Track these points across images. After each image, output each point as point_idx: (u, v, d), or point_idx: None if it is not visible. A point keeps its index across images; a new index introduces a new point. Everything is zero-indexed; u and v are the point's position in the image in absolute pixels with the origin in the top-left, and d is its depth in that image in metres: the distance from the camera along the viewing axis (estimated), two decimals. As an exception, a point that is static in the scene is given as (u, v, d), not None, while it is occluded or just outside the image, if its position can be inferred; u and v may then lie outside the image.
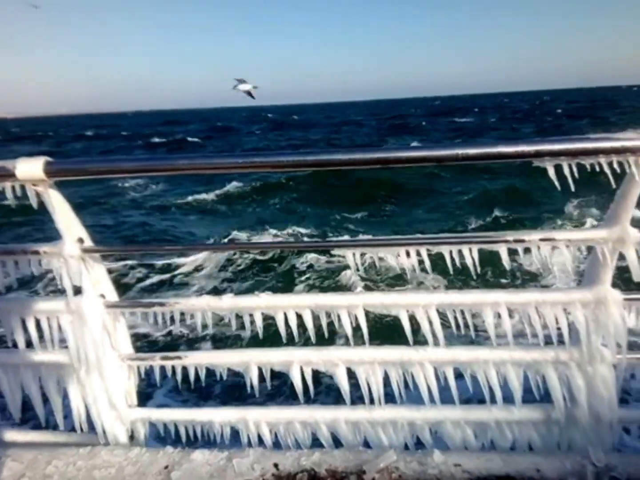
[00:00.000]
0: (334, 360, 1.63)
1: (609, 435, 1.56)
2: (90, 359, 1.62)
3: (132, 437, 1.75)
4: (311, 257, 8.56)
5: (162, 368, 1.71)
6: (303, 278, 8.43)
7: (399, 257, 1.51)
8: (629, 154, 1.28)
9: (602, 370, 1.52)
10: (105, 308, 1.64)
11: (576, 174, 1.32)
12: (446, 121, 50.38)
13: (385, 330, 4.96)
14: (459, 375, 1.61)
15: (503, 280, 7.53)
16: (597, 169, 1.31)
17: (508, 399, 1.61)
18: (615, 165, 1.30)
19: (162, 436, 1.76)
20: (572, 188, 1.31)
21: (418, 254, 1.52)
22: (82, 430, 1.72)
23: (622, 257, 1.44)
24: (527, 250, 1.48)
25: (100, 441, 1.71)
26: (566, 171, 1.32)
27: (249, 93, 8.17)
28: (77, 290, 1.61)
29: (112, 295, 1.69)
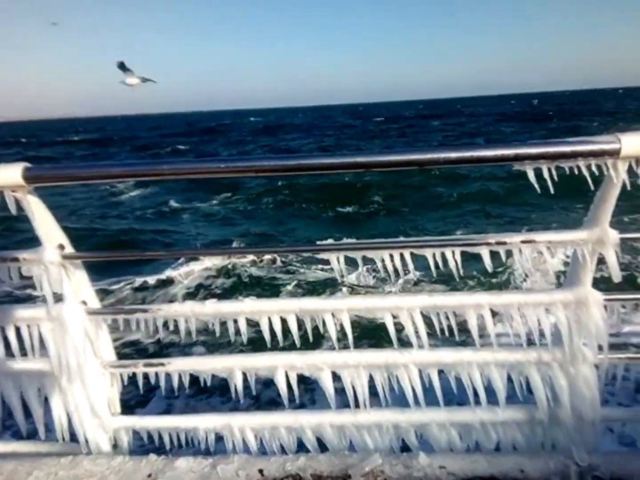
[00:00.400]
0: (319, 364, 1.63)
1: (591, 435, 1.58)
2: (71, 366, 1.59)
3: (115, 446, 1.73)
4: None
5: (146, 375, 1.69)
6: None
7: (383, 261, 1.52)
8: (607, 157, 1.30)
9: (584, 371, 1.54)
10: (86, 315, 1.61)
11: (555, 177, 1.33)
12: (434, 124, 50.99)
13: (370, 334, 4.97)
14: (443, 377, 1.62)
15: (497, 282, 7.53)
16: (576, 172, 1.33)
17: (492, 400, 1.62)
18: (594, 168, 1.32)
19: (145, 444, 1.74)
20: (552, 191, 1.32)
21: (402, 257, 1.53)
22: (63, 439, 1.69)
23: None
24: (509, 253, 1.49)
25: (82, 450, 1.68)
26: (546, 174, 1.34)
27: (143, 79, 7.72)
28: (59, 298, 1.59)
29: (94, 302, 1.67)
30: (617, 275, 1.44)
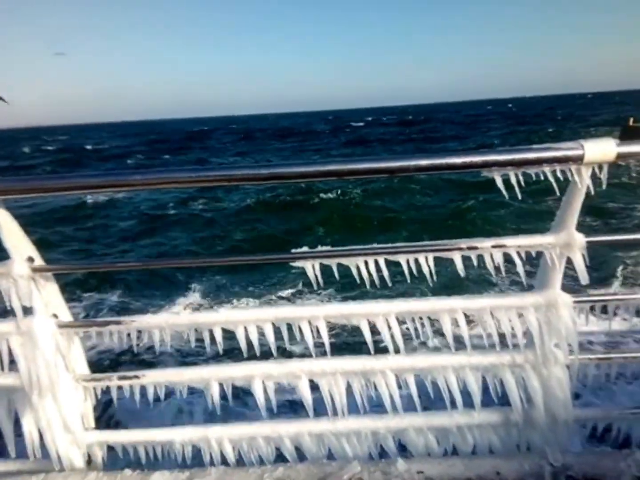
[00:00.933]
0: (296, 372, 1.62)
1: (565, 435, 1.61)
2: (42, 381, 1.56)
3: (89, 462, 1.69)
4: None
5: (120, 388, 1.67)
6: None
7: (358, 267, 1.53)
8: (571, 163, 1.33)
9: (556, 372, 1.57)
10: (58, 328, 1.58)
11: (522, 183, 1.37)
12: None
13: (347, 340, 4.96)
14: (420, 382, 1.63)
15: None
16: (542, 177, 1.37)
17: (468, 403, 1.63)
18: (559, 174, 1.36)
19: (120, 459, 1.71)
20: (519, 197, 1.35)
21: (376, 263, 1.54)
22: (35, 456, 1.65)
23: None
24: (480, 257, 1.51)
25: (55, 467, 1.64)
26: (513, 180, 1.37)
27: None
28: (30, 311, 1.55)
29: (66, 315, 1.64)
30: (584, 278, 1.47)
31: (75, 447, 1.66)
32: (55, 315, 1.60)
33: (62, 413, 1.61)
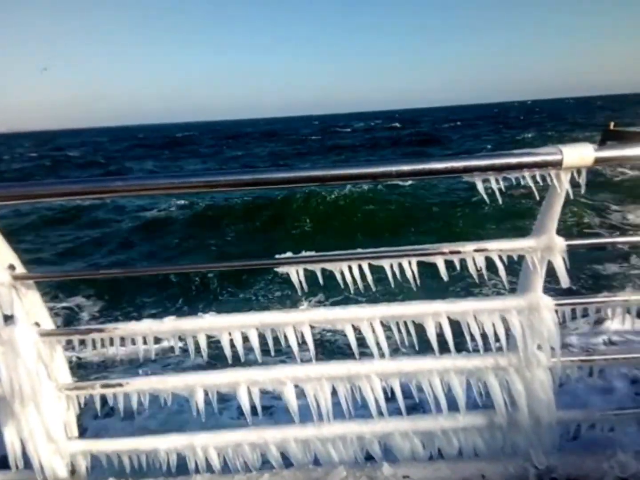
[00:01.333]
0: (282, 378, 1.62)
1: (549, 437, 1.62)
2: (24, 390, 1.54)
3: (72, 471, 1.67)
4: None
5: (104, 397, 1.65)
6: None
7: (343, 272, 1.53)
8: (550, 168, 1.36)
9: (539, 374, 1.58)
10: (40, 337, 1.56)
11: (503, 188, 1.38)
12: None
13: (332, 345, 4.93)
14: (405, 386, 1.63)
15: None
16: (522, 182, 1.39)
17: (453, 407, 1.64)
18: (538, 178, 1.38)
19: (104, 468, 1.69)
20: (500, 201, 1.37)
21: (360, 268, 1.54)
22: (17, 467, 1.62)
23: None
24: (462, 261, 1.52)
25: (37, 478, 1.62)
26: (494, 185, 1.39)
27: None
28: (11, 320, 1.53)
29: (48, 323, 1.62)
30: (565, 281, 1.49)
31: (59, 457, 1.63)
32: (37, 324, 1.58)
33: (45, 422, 1.59)
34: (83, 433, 1.73)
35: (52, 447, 1.61)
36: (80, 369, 5.30)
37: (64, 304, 8.87)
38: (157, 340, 1.60)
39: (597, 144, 1.41)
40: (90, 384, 1.65)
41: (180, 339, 1.59)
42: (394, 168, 1.36)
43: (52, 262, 12.25)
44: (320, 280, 1.55)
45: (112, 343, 1.59)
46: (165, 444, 1.63)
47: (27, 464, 1.62)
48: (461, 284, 7.23)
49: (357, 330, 1.59)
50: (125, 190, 1.42)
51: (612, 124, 24.07)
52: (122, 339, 1.59)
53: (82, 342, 1.61)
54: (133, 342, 1.60)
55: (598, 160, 1.33)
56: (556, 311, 1.55)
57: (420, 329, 1.57)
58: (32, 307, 1.58)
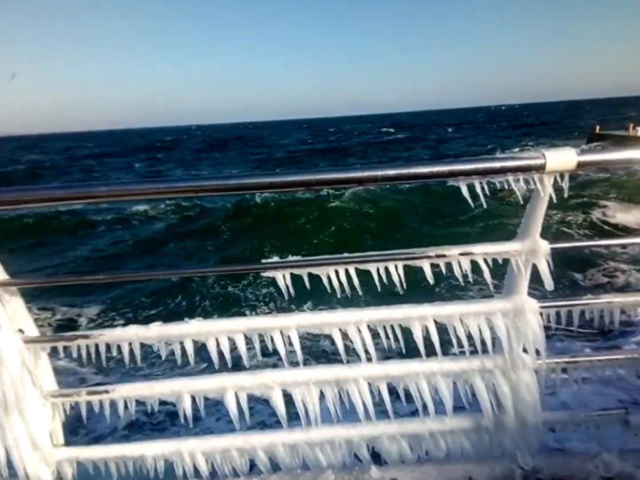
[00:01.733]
0: (269, 383, 1.62)
1: (535, 439, 1.64)
2: (8, 398, 1.52)
3: (58, 479, 1.65)
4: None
5: (89, 403, 1.63)
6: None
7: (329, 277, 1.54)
8: (533, 172, 1.37)
9: (525, 376, 1.60)
10: (24, 344, 1.55)
11: (487, 192, 1.40)
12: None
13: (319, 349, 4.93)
14: (393, 390, 1.64)
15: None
16: (506, 186, 1.40)
17: (440, 409, 1.65)
18: (522, 183, 1.39)
19: (91, 475, 1.67)
20: (484, 205, 1.39)
21: (347, 272, 1.55)
22: (2, 475, 1.60)
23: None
24: (448, 265, 1.54)
25: None
26: (478, 189, 1.40)
27: None
28: None
29: (32, 330, 1.60)
30: (549, 284, 1.51)
31: (44, 465, 1.61)
32: (21, 330, 1.56)
33: (30, 430, 1.57)
34: (69, 440, 1.71)
35: (38, 455, 1.60)
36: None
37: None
38: (143, 346, 1.59)
39: (583, 146, 1.43)
40: (75, 391, 1.64)
41: (167, 344, 1.58)
42: (379, 172, 1.37)
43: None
44: (307, 285, 1.55)
45: (97, 350, 1.58)
46: (152, 450, 1.62)
47: (12, 472, 1.60)
48: (445, 284, 7.30)
49: (344, 334, 1.59)
50: (109, 195, 1.40)
51: (597, 128, 24.38)
52: (108, 346, 1.58)
53: (67, 349, 1.59)
54: (119, 348, 1.59)
55: (581, 165, 1.35)
56: (541, 313, 1.57)
57: (407, 332, 1.58)
58: (16, 314, 1.57)
